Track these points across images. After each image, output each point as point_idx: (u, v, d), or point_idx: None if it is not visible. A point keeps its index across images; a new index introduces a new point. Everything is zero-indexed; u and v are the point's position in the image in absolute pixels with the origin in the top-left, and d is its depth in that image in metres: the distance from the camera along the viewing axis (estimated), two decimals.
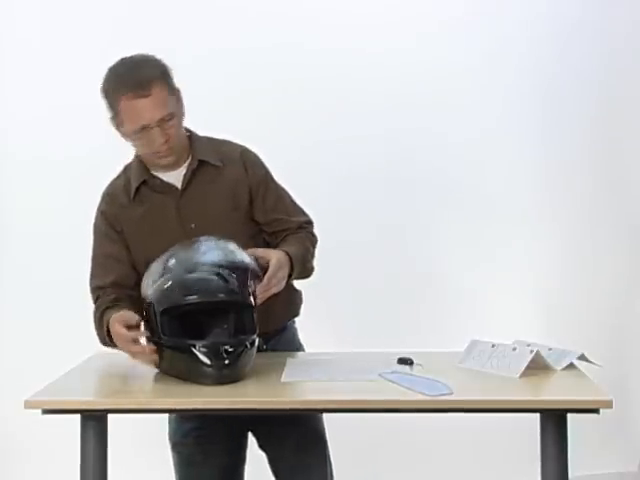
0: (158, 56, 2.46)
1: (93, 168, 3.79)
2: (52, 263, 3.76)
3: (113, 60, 3.72)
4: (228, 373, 2.21)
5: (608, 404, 2.05)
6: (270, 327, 2.47)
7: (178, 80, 3.70)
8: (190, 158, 2.49)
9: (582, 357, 2.40)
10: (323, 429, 2.59)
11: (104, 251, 2.51)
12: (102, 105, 3.81)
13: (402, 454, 3.80)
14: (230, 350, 2.20)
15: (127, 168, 2.55)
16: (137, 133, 2.37)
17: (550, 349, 2.40)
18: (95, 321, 2.47)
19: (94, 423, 2.15)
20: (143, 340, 2.30)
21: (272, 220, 2.54)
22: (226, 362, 2.20)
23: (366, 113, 3.88)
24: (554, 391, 2.25)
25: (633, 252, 4.07)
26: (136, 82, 2.35)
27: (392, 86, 3.87)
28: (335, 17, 3.87)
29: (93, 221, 2.58)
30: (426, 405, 2.14)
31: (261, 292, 2.31)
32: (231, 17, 3.84)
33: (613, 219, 4.06)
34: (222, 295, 2.26)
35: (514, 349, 2.34)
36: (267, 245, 2.53)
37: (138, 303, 2.36)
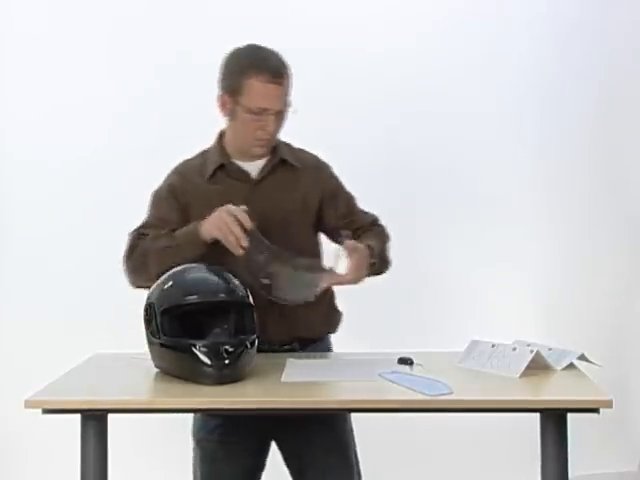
0: None
1: (93, 168, 3.83)
2: (52, 263, 3.76)
3: (112, 60, 3.79)
4: (228, 373, 2.21)
5: (608, 404, 2.05)
6: (308, 334, 2.55)
7: (188, 81, 3.78)
8: (271, 154, 2.55)
9: (582, 357, 2.40)
10: (351, 430, 2.60)
11: (159, 214, 2.54)
12: (100, 106, 3.84)
13: (402, 454, 3.80)
14: (230, 350, 2.21)
15: (205, 152, 2.61)
16: (252, 113, 2.43)
17: (550, 349, 2.40)
18: (141, 247, 2.48)
19: (94, 423, 2.15)
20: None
21: (348, 222, 2.59)
22: (226, 362, 2.20)
23: (365, 113, 3.88)
24: (554, 391, 2.25)
25: (633, 252, 4.07)
26: (274, 68, 2.43)
27: (391, 86, 3.87)
28: (335, 17, 3.87)
29: (155, 190, 2.59)
30: (426, 405, 2.14)
31: (336, 280, 2.36)
32: (231, 17, 3.84)
33: (613, 219, 4.07)
34: (222, 295, 2.27)
35: (514, 349, 2.35)
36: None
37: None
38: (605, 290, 4.03)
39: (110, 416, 2.18)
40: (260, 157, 2.54)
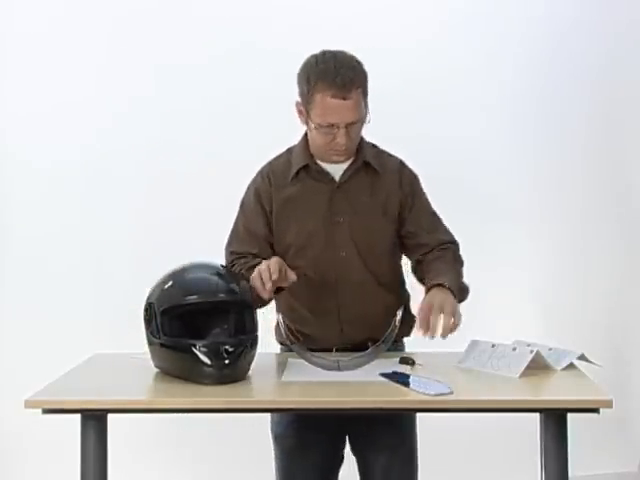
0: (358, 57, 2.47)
1: (93, 168, 3.82)
2: (52, 263, 3.76)
3: (113, 60, 3.79)
4: (228, 373, 2.21)
5: (608, 404, 2.05)
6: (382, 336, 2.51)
7: (184, 83, 3.78)
8: (355, 157, 2.53)
9: (582, 357, 2.41)
10: (415, 432, 2.60)
11: (246, 225, 2.57)
12: (100, 106, 3.85)
13: None
14: (230, 350, 2.21)
15: (290, 150, 2.60)
16: (322, 127, 2.42)
17: (550, 349, 2.40)
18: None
19: (94, 423, 2.15)
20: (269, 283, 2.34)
21: (408, 233, 2.58)
22: (226, 362, 2.20)
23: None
24: (554, 391, 2.25)
25: (632, 252, 4.07)
26: (340, 83, 2.38)
27: (390, 86, 3.85)
28: (334, 18, 3.86)
29: (244, 194, 2.62)
30: (426, 405, 2.14)
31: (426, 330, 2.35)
32: (230, 18, 3.84)
33: (612, 219, 4.07)
34: (222, 295, 2.27)
35: (514, 349, 2.35)
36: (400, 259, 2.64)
37: None
38: (605, 290, 4.03)
39: (110, 416, 2.18)
40: (342, 161, 2.53)
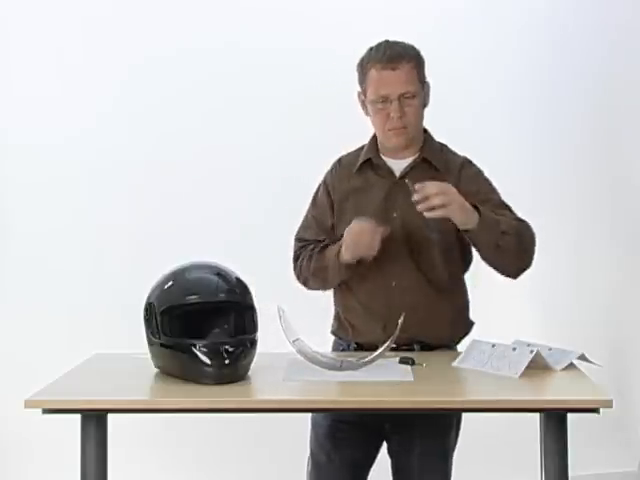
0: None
1: (93, 168, 3.82)
2: (52, 263, 3.76)
3: (111, 54, 3.79)
4: (228, 373, 2.21)
5: (608, 404, 2.05)
6: (428, 339, 2.54)
7: (189, 79, 3.77)
8: (419, 153, 2.59)
9: (582, 357, 2.41)
10: (456, 436, 2.60)
11: (315, 214, 2.68)
12: (100, 106, 3.85)
13: None
14: (230, 350, 2.21)
15: (362, 147, 2.68)
16: (377, 103, 2.51)
17: (550, 349, 2.40)
18: (300, 263, 2.64)
19: (94, 423, 2.15)
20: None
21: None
22: (226, 362, 2.20)
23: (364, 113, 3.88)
24: (554, 391, 2.25)
25: (632, 251, 4.07)
26: (388, 56, 2.50)
27: None
28: (333, 17, 3.86)
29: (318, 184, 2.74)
30: (426, 405, 2.14)
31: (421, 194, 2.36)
32: (230, 18, 3.84)
33: (612, 218, 4.07)
34: (222, 295, 2.27)
35: (514, 349, 2.35)
36: (462, 263, 2.67)
37: None
38: (605, 290, 4.03)
39: (110, 416, 2.18)
40: (404, 152, 2.58)
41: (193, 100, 3.83)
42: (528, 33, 3.99)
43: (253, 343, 2.27)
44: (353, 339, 2.61)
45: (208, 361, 2.19)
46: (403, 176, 2.55)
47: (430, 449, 2.53)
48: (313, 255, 2.60)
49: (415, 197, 2.36)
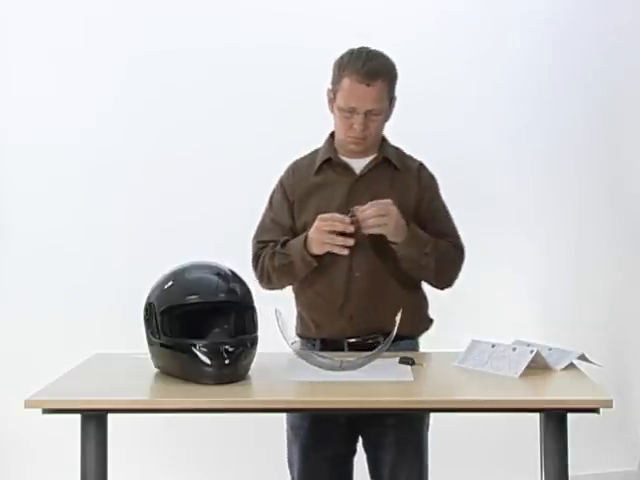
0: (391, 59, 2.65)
1: (93, 168, 3.82)
2: (52, 263, 3.76)
3: (111, 54, 3.79)
4: (228, 373, 2.21)
5: (608, 404, 2.05)
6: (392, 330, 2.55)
7: (189, 79, 3.77)
8: (377, 153, 2.66)
9: (582, 357, 2.40)
10: (427, 427, 2.64)
11: (272, 216, 2.71)
12: (100, 105, 3.85)
13: None
14: (230, 350, 2.21)
15: (316, 150, 2.74)
16: (344, 111, 2.57)
17: (550, 349, 2.40)
18: (262, 262, 2.66)
19: (94, 423, 2.15)
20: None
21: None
22: (226, 362, 2.20)
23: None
24: (554, 391, 2.25)
25: (632, 252, 4.07)
26: (366, 70, 2.55)
27: None
28: (333, 17, 3.86)
29: (273, 189, 2.77)
30: (426, 405, 2.14)
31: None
32: (230, 18, 3.84)
33: (611, 218, 4.07)
34: (222, 295, 2.27)
35: (514, 349, 2.35)
36: None
37: None
38: (605, 290, 4.04)
39: (110, 416, 2.18)
40: (361, 154, 2.65)
41: (193, 100, 3.83)
42: (528, 34, 3.99)
43: (253, 343, 2.27)
44: (318, 336, 2.64)
45: (208, 361, 2.19)
46: (364, 174, 2.64)
47: (403, 438, 2.56)
48: (276, 252, 2.62)
49: (356, 215, 2.49)
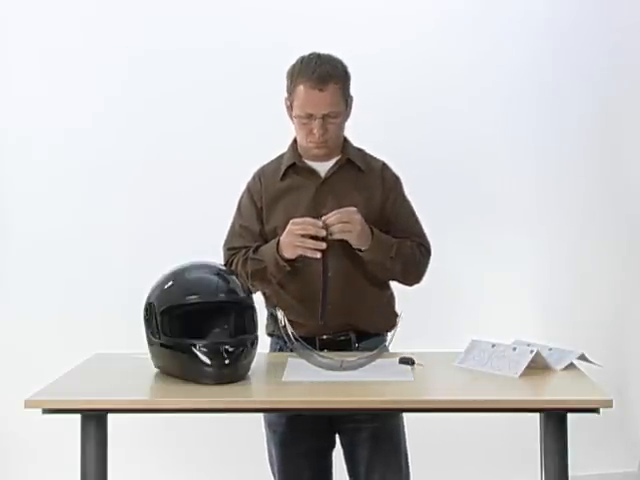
0: (344, 60, 2.67)
1: (93, 168, 3.82)
2: (52, 263, 3.76)
3: (111, 54, 3.79)
4: (228, 373, 2.21)
5: (608, 404, 2.05)
6: (365, 327, 2.64)
7: (189, 79, 3.77)
8: (340, 156, 2.69)
9: (582, 357, 2.41)
10: (399, 425, 2.64)
11: (241, 222, 2.72)
12: (100, 105, 3.85)
13: None
14: (230, 350, 2.21)
15: (281, 156, 2.76)
16: (302, 118, 2.61)
17: (550, 349, 2.41)
18: (235, 269, 2.63)
19: (94, 423, 2.15)
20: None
21: (386, 230, 2.65)
22: (226, 362, 2.20)
23: (363, 112, 3.87)
24: (554, 391, 2.25)
25: (632, 252, 4.07)
26: (317, 76, 2.58)
27: (388, 86, 3.86)
28: (334, 17, 3.86)
29: (240, 196, 2.79)
30: (426, 405, 2.14)
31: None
32: (230, 18, 3.84)
33: (612, 218, 4.06)
34: (222, 295, 2.27)
35: (514, 349, 2.35)
36: None
37: None
38: (605, 290, 4.03)
39: (110, 416, 2.18)
40: (324, 157, 2.67)
41: (193, 100, 3.83)
42: (529, 34, 3.99)
43: (253, 343, 2.27)
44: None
45: (208, 361, 2.20)
46: (329, 177, 2.66)
47: (377, 433, 2.57)
48: (248, 258, 2.62)
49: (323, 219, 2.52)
